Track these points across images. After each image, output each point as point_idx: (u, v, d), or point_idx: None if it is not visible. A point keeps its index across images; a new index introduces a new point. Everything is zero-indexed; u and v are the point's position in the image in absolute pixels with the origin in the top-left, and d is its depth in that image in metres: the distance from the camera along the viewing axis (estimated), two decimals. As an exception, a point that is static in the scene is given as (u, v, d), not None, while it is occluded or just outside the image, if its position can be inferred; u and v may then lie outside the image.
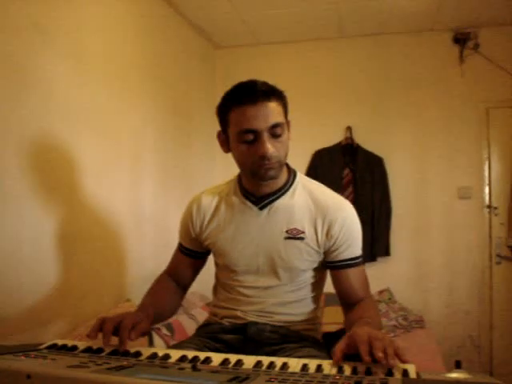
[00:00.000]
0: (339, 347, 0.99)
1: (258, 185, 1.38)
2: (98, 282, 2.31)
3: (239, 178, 1.46)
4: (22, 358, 0.94)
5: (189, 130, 3.47)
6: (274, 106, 1.27)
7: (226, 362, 0.98)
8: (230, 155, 1.40)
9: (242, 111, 1.26)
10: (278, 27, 3.65)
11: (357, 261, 1.40)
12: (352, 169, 3.73)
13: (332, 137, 3.80)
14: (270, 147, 1.26)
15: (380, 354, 0.90)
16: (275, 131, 1.27)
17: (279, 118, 1.28)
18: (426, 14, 3.40)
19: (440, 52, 3.70)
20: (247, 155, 1.29)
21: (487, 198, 3.65)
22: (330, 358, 1.19)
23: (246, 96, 1.25)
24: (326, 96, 3.88)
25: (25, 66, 1.85)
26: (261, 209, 1.40)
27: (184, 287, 1.59)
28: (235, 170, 1.47)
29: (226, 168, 3.15)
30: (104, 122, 2.38)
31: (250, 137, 1.27)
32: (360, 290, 1.39)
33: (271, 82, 1.35)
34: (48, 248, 1.97)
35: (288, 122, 1.37)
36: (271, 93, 1.28)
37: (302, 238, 1.36)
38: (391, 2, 3.21)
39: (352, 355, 0.97)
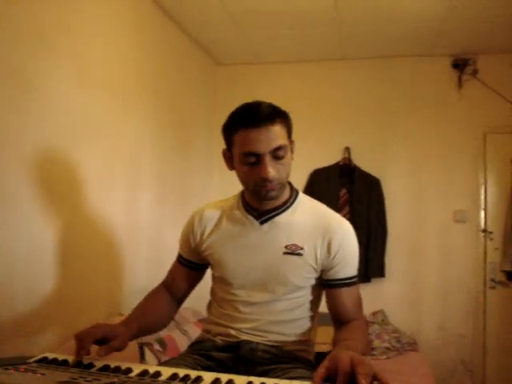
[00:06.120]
0: (319, 373, 0.98)
1: (260, 201, 1.40)
2: (91, 294, 2.29)
3: (243, 193, 1.49)
4: (12, 371, 0.93)
5: (187, 144, 3.49)
6: (277, 129, 1.29)
7: (216, 381, 0.98)
8: (226, 171, 1.45)
9: (246, 134, 1.28)
10: (280, 47, 3.70)
11: (351, 281, 1.40)
12: (349, 189, 3.74)
13: (330, 157, 3.82)
14: (271, 170, 1.28)
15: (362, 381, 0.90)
16: (277, 153, 1.29)
17: (282, 141, 1.30)
18: (426, 38, 3.45)
19: (439, 76, 3.75)
20: (249, 176, 1.32)
21: (483, 222, 3.67)
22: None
23: (250, 119, 1.27)
24: (326, 116, 3.91)
25: (28, 73, 1.86)
26: (261, 223, 1.41)
27: (179, 300, 1.58)
28: (231, 185, 1.49)
29: (223, 183, 3.18)
30: (103, 133, 2.39)
31: (252, 159, 1.29)
32: (352, 310, 1.40)
33: (271, 100, 1.37)
34: (42, 258, 1.96)
35: (292, 142, 1.39)
36: (275, 115, 1.30)
37: (300, 254, 1.37)
38: (391, 26, 3.26)
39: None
